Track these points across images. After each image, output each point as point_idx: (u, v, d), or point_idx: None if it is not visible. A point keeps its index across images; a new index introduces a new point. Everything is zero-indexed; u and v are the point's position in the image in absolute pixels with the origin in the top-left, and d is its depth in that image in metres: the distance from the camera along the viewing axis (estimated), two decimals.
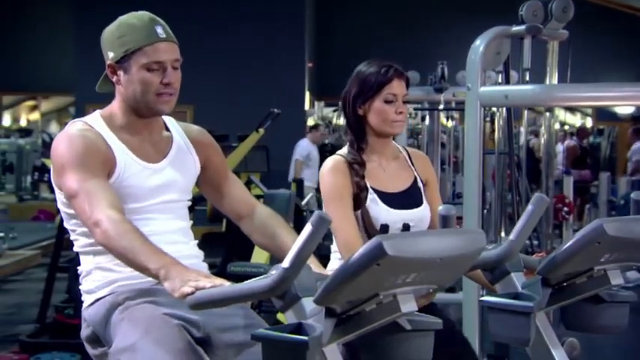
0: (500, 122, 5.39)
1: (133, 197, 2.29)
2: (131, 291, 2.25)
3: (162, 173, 2.37)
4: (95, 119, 2.35)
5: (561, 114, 13.41)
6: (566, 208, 8.24)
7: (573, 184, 6.00)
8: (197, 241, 2.48)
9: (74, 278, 5.51)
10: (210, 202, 8.85)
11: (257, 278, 1.73)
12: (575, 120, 17.55)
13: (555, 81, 4.40)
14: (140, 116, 2.35)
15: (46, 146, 16.98)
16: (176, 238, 2.35)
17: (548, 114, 4.31)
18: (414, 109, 6.94)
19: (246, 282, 1.75)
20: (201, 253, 2.48)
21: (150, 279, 2.13)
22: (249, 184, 8.99)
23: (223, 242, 7.66)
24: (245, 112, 10.38)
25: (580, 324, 2.19)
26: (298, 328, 1.72)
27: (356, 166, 2.67)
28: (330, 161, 2.70)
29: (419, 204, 2.72)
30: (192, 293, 1.80)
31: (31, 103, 17.55)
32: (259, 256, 5.03)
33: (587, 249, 1.95)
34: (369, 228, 2.64)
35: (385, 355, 1.81)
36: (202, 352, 2.15)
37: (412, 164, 2.81)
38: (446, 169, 7.81)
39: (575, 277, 2.08)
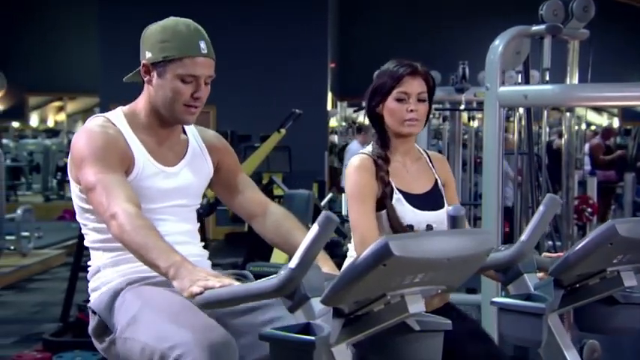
0: (522, 122, 5.37)
1: (147, 198, 2.30)
2: (137, 279, 2.27)
3: (176, 177, 2.39)
4: (117, 116, 2.37)
5: (588, 114, 13.30)
6: (589, 209, 8.17)
7: (598, 185, 5.94)
8: (203, 243, 2.51)
9: None
10: None
11: (266, 278, 1.73)
12: (602, 120, 17.42)
13: (576, 81, 4.36)
14: (162, 120, 2.38)
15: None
16: (184, 239, 2.37)
17: (568, 114, 4.28)
18: (435, 109, 6.91)
19: (254, 282, 1.75)
20: (205, 253, 2.50)
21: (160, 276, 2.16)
22: (270, 184, 9.02)
23: (246, 242, 7.69)
24: (268, 113, 10.40)
25: (594, 326, 2.18)
26: (306, 328, 1.72)
27: (380, 161, 2.66)
28: (356, 159, 2.68)
29: (441, 206, 2.70)
30: (201, 293, 1.81)
31: (57, 103, 17.70)
32: (279, 256, 5.04)
33: (599, 250, 1.94)
34: (395, 225, 2.62)
35: (394, 356, 1.81)
36: (204, 313, 2.13)
37: (433, 166, 2.80)
38: (467, 170, 7.78)
39: (588, 279, 2.06)
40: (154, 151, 2.36)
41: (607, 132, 13.42)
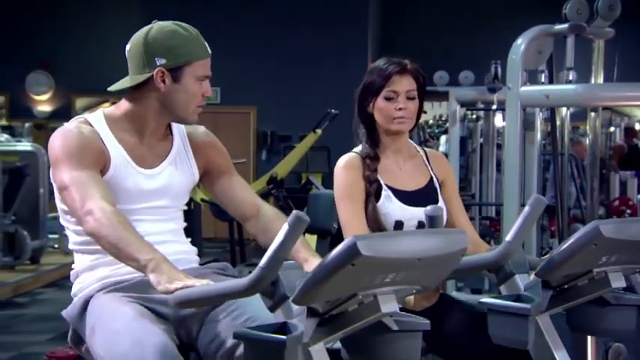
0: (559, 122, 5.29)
1: (124, 199, 2.31)
2: (109, 284, 2.28)
3: (156, 179, 2.39)
4: (97, 117, 2.38)
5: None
6: (629, 211, 8.07)
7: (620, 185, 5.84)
8: (190, 239, 2.52)
9: None
10: (272, 203, 8.92)
11: (241, 278, 1.75)
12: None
13: (601, 80, 4.30)
14: (159, 122, 2.40)
15: None
16: (164, 238, 2.37)
17: (593, 114, 4.22)
18: (468, 109, 6.88)
19: (225, 281, 1.78)
20: (192, 250, 2.51)
21: (132, 279, 2.20)
22: (307, 184, 9.06)
23: None
24: (307, 113, 10.44)
25: (585, 326, 2.16)
26: (283, 328, 1.74)
27: (368, 160, 2.66)
28: (344, 158, 2.70)
29: (434, 203, 2.67)
30: (176, 290, 1.84)
31: (105, 105, 17.95)
32: None
33: (584, 251, 1.92)
34: (373, 226, 2.61)
35: (372, 356, 1.82)
36: (155, 318, 2.17)
37: (429, 164, 2.80)
38: (502, 170, 7.70)
39: (576, 280, 2.05)
40: (133, 152, 2.36)
41: (630, 131, 13.13)
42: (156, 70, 2.31)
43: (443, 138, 14.13)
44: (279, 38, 12.18)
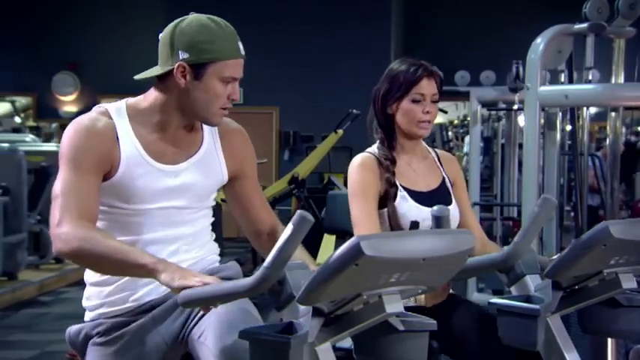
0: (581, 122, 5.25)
1: (136, 198, 2.20)
2: (107, 323, 2.26)
3: (177, 177, 2.26)
4: (119, 108, 2.25)
5: None
6: None
7: None
8: (217, 244, 2.43)
9: None
10: (294, 203, 8.89)
11: (246, 278, 1.76)
12: None
13: (622, 80, 4.27)
14: (178, 118, 2.25)
15: None
16: (175, 248, 2.28)
17: (614, 114, 4.19)
18: (489, 109, 6.84)
19: (231, 281, 1.78)
20: (211, 251, 2.40)
21: (132, 304, 2.22)
22: (329, 184, 9.05)
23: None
24: (330, 114, 10.44)
25: (596, 328, 2.15)
26: (289, 327, 1.75)
27: (386, 163, 2.67)
28: (358, 158, 2.70)
29: (448, 203, 2.70)
30: (192, 286, 1.84)
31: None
32: (324, 257, 5.06)
33: (593, 251, 1.91)
34: (394, 226, 2.64)
35: (379, 356, 1.82)
36: None
37: (441, 165, 2.81)
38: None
39: (587, 280, 2.04)
40: (152, 147, 2.23)
41: None
42: (177, 64, 2.18)
43: (467, 138, 14.07)
44: (302, 39, 12.19)
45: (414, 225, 2.64)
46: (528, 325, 1.99)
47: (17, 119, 13.62)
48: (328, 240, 5.91)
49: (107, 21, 13.96)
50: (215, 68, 2.18)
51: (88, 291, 2.33)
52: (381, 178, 2.65)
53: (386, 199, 2.65)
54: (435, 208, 1.90)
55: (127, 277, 2.21)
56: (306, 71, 12.07)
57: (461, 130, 15.51)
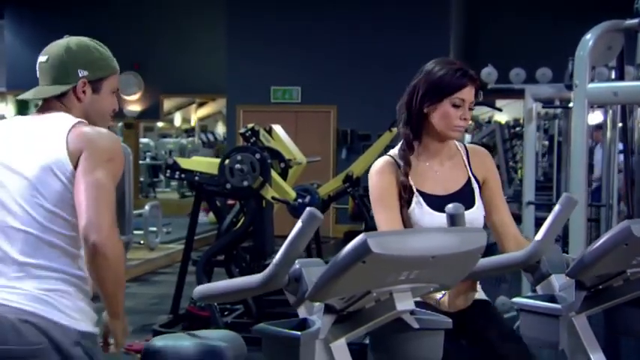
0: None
1: None
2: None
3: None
4: None
5: None
6: None
7: None
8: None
9: (201, 272, 5.73)
10: (351, 201, 8.87)
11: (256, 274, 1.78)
12: None
13: None
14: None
15: (207, 145, 17.79)
16: None
17: None
18: (543, 106, 6.74)
19: (242, 277, 1.81)
20: None
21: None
22: None
23: None
24: (387, 112, 10.37)
25: (623, 328, 2.12)
26: (303, 324, 1.76)
27: (402, 165, 2.65)
28: (378, 162, 2.68)
29: (469, 206, 2.64)
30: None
31: (197, 105, 18.31)
32: None
33: (615, 251, 1.88)
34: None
35: (394, 354, 1.82)
36: None
37: (469, 163, 2.75)
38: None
39: (611, 280, 2.00)
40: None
41: None
42: (80, 81, 2.45)
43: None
44: (360, 38, 12.18)
45: None
46: (550, 325, 1.97)
47: None
48: None
49: (169, 25, 14.22)
50: (108, 82, 2.51)
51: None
52: (398, 182, 2.64)
53: (401, 204, 2.63)
54: (450, 205, 1.89)
55: None
56: (364, 70, 12.06)
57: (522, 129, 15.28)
